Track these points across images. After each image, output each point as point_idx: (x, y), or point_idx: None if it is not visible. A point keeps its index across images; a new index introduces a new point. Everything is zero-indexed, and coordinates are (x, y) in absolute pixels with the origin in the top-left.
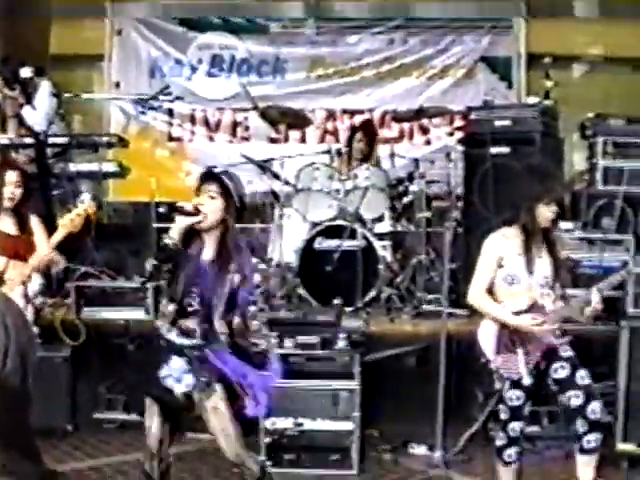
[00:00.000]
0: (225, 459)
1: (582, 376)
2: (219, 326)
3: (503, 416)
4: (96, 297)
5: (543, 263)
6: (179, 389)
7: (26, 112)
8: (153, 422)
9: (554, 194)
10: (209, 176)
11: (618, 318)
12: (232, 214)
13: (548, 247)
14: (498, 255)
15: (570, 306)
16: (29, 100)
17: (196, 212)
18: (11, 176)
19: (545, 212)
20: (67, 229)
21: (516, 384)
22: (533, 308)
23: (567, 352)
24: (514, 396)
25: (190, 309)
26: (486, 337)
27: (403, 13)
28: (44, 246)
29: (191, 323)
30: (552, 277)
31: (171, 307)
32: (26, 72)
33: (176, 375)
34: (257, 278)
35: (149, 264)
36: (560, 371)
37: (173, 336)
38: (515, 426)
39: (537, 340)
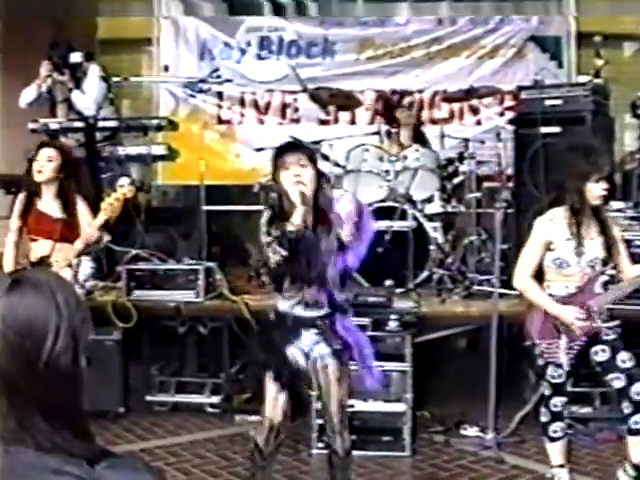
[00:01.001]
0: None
1: (623, 359)
2: (335, 292)
3: (546, 392)
4: (147, 280)
5: (594, 244)
6: (305, 361)
7: (75, 97)
8: (281, 393)
9: (603, 170)
10: (291, 147)
11: None
12: (319, 179)
13: (600, 227)
14: (546, 240)
15: (619, 288)
16: (78, 85)
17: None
18: (43, 152)
19: (594, 189)
20: (106, 214)
21: (557, 363)
22: (582, 291)
23: (608, 335)
24: (555, 374)
25: (304, 283)
26: (532, 320)
27: None
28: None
29: (312, 294)
30: (603, 258)
31: (287, 283)
32: (76, 57)
33: (307, 349)
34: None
35: (276, 256)
36: (601, 354)
37: (300, 311)
38: (557, 401)
39: (583, 328)
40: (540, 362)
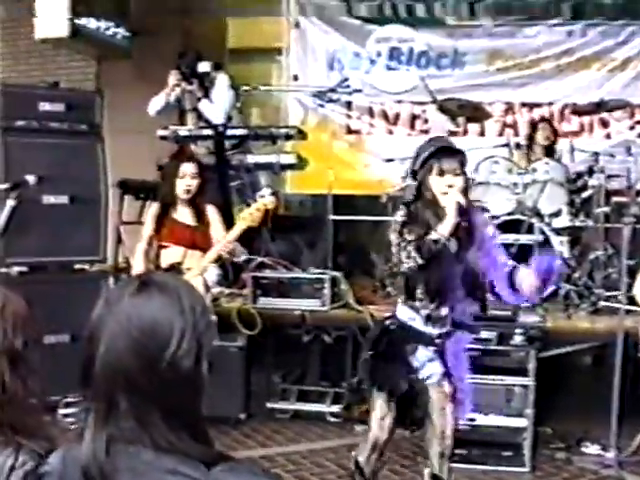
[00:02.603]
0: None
1: None
2: (462, 312)
3: None
4: (272, 287)
5: None
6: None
7: (203, 106)
8: (390, 413)
9: None
10: (449, 151)
11: None
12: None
13: None
14: None
15: None
16: (207, 94)
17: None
18: (188, 168)
19: None
20: (246, 223)
21: None
22: None
23: None
24: None
25: (436, 296)
26: None
27: (582, 4)
28: (221, 237)
29: (440, 311)
30: None
31: (419, 292)
32: (204, 67)
33: (418, 365)
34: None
35: (411, 262)
36: None
37: (420, 325)
38: None
39: None
40: None
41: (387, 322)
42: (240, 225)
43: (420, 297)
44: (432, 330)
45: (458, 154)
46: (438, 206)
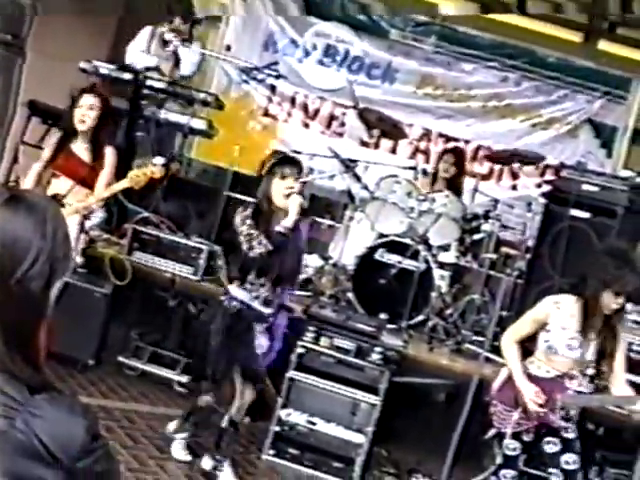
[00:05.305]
0: None
1: (568, 460)
2: (285, 295)
3: (498, 460)
4: (150, 244)
5: (588, 345)
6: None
7: (183, 52)
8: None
9: (625, 286)
10: (291, 160)
11: None
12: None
13: (605, 330)
14: (544, 320)
15: (598, 399)
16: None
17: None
18: (87, 99)
19: (610, 301)
20: (130, 184)
21: (516, 435)
22: (557, 382)
23: (567, 433)
24: (511, 446)
25: (273, 281)
26: (500, 381)
27: (523, 55)
28: (104, 180)
29: (274, 293)
30: (591, 361)
31: (252, 276)
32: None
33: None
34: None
35: (262, 248)
36: (551, 446)
37: (258, 305)
38: (506, 473)
39: (536, 412)
40: (495, 425)
41: (227, 304)
42: (122, 183)
43: (253, 282)
44: (266, 310)
45: (297, 163)
46: (277, 205)
